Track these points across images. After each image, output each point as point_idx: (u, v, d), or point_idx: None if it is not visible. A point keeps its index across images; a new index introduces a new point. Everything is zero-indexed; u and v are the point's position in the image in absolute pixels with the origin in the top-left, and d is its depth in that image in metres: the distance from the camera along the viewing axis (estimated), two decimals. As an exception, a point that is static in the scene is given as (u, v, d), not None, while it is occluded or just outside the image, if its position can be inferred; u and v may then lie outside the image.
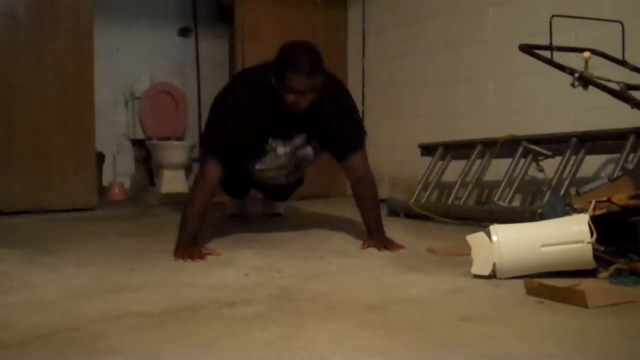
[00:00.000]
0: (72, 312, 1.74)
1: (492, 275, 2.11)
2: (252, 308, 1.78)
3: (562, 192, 3.17)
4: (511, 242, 2.11)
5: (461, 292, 1.97)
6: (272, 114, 2.76)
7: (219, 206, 3.82)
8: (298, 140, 2.94)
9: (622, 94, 2.57)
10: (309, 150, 3.00)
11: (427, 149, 4.22)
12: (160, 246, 2.74)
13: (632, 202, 2.17)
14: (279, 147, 2.93)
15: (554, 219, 2.29)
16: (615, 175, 2.74)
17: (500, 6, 4.05)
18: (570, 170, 3.29)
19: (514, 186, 3.49)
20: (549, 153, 3.43)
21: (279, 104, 2.69)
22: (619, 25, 2.74)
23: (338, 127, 2.85)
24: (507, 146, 3.62)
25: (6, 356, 1.40)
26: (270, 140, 2.90)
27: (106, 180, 5.16)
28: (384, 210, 3.18)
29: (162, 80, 5.39)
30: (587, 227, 2.06)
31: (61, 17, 4.09)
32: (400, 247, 2.75)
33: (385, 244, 2.75)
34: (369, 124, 5.12)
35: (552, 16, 2.65)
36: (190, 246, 2.56)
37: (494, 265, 2.10)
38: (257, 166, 3.00)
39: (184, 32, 5.60)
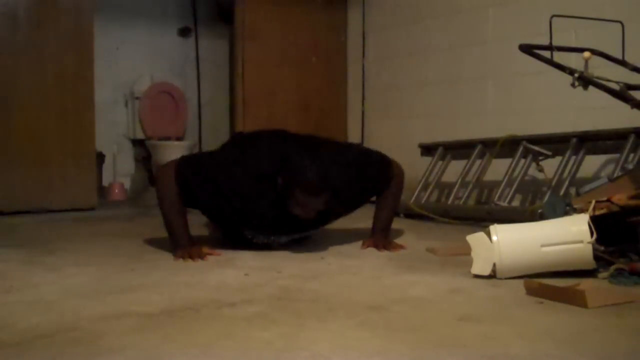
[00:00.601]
0: (72, 312, 1.74)
1: (492, 275, 2.11)
2: (252, 308, 1.78)
3: (562, 192, 3.17)
4: (511, 242, 2.11)
5: (461, 292, 1.97)
6: (275, 213, 2.53)
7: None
8: (306, 233, 2.79)
9: (622, 94, 2.57)
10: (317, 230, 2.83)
11: (427, 149, 4.22)
12: (160, 246, 2.74)
13: (632, 202, 2.17)
14: (282, 237, 2.71)
15: (554, 219, 2.28)
16: (615, 175, 2.75)
17: (500, 6, 4.05)
18: (570, 170, 3.29)
19: (514, 186, 3.49)
20: (549, 153, 3.43)
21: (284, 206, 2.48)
22: (619, 25, 2.74)
23: (363, 193, 2.78)
24: (507, 146, 3.62)
25: (6, 356, 1.40)
26: (272, 237, 2.68)
27: (106, 180, 5.16)
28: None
29: (162, 80, 5.40)
30: (587, 227, 2.06)
31: (61, 17, 4.09)
32: (400, 247, 2.75)
33: (385, 244, 2.75)
34: (369, 124, 5.17)
35: (552, 16, 2.65)
36: (189, 246, 2.55)
37: (494, 265, 2.10)
38: (248, 234, 2.70)
39: (184, 32, 5.60)
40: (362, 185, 2.74)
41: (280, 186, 2.46)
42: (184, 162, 2.60)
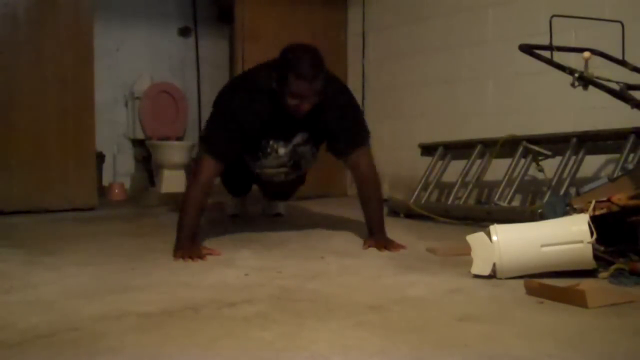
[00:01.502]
0: (72, 312, 1.74)
1: (492, 275, 2.11)
2: (252, 308, 1.78)
3: (562, 192, 3.17)
4: (511, 242, 2.11)
5: (461, 292, 1.97)
6: (273, 115, 2.77)
7: (218, 206, 3.82)
8: (298, 138, 2.95)
9: (622, 94, 2.57)
10: (307, 148, 3.01)
11: (427, 149, 4.22)
12: (160, 246, 2.74)
13: (632, 202, 2.17)
14: (280, 148, 2.95)
15: (554, 219, 2.28)
16: (615, 175, 2.74)
17: (500, 6, 4.05)
18: (570, 170, 3.29)
19: (514, 186, 3.49)
20: (549, 153, 3.43)
21: (280, 106, 2.71)
22: (619, 25, 2.74)
23: (340, 125, 2.85)
24: (507, 146, 3.62)
25: (6, 356, 1.40)
26: (271, 142, 2.93)
27: (106, 180, 5.16)
28: (384, 210, 3.17)
29: (162, 80, 5.40)
30: (587, 227, 2.06)
31: (61, 17, 4.09)
32: (401, 247, 2.75)
33: (386, 244, 2.75)
34: (369, 124, 5.15)
35: (552, 16, 2.65)
36: (189, 246, 2.55)
37: (494, 265, 2.10)
38: (258, 163, 3.02)
39: (184, 32, 5.60)
40: (345, 115, 2.86)
41: (275, 79, 2.65)
42: (208, 143, 2.75)
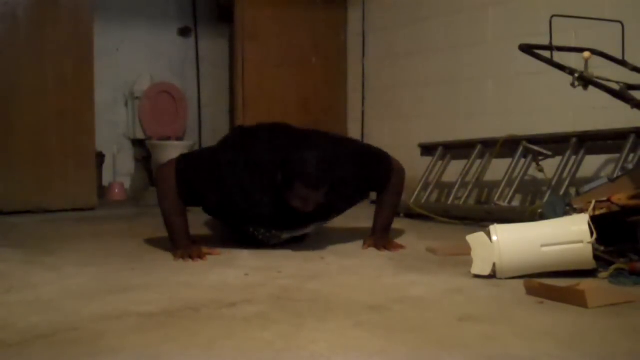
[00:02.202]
0: (72, 312, 1.74)
1: (492, 275, 2.11)
2: (252, 308, 1.78)
3: (562, 192, 3.17)
4: (511, 242, 2.11)
5: (461, 292, 1.97)
6: (275, 208, 2.54)
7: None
8: (310, 228, 2.78)
9: (622, 94, 2.57)
10: (324, 223, 2.85)
11: (427, 149, 4.22)
12: (160, 246, 2.74)
13: (632, 202, 2.17)
14: (284, 234, 2.72)
15: (554, 219, 2.28)
16: (615, 175, 2.74)
17: (500, 6, 4.05)
18: (570, 170, 3.29)
19: (514, 186, 3.49)
20: (549, 153, 3.43)
21: (283, 200, 2.49)
22: (619, 25, 2.74)
23: (357, 191, 2.74)
24: (507, 146, 3.62)
25: (6, 356, 1.40)
26: (273, 231, 2.68)
27: (106, 180, 5.16)
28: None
29: (162, 80, 5.39)
30: (587, 227, 2.06)
31: (61, 17, 4.09)
32: (400, 247, 2.75)
33: (385, 243, 2.75)
34: (369, 124, 5.17)
35: (552, 16, 2.65)
36: (188, 246, 2.55)
37: (494, 265, 2.10)
38: (250, 229, 2.71)
39: (184, 32, 5.60)
40: (362, 180, 2.73)
41: (280, 179, 2.46)
42: (184, 160, 2.60)
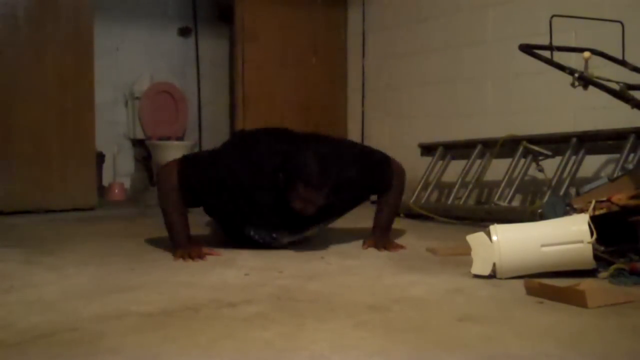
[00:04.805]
0: (72, 312, 1.74)
1: (492, 275, 2.11)
2: (252, 308, 1.78)
3: (562, 192, 3.17)
4: (511, 242, 2.11)
5: (461, 292, 1.97)
6: (277, 210, 2.54)
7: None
8: (310, 231, 2.77)
9: (622, 94, 2.57)
10: (322, 226, 2.84)
11: (427, 149, 4.22)
12: (160, 246, 2.74)
13: (632, 202, 2.17)
14: (285, 238, 2.71)
15: (554, 219, 2.28)
16: (615, 175, 2.74)
17: (500, 6, 4.05)
18: (570, 170, 3.29)
19: (514, 186, 3.49)
20: (549, 153, 3.44)
21: (286, 201, 2.50)
22: (619, 25, 2.74)
23: (358, 193, 2.76)
24: (507, 146, 3.62)
25: (6, 356, 1.40)
26: (274, 235, 2.67)
27: (106, 180, 5.16)
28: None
29: (162, 80, 5.40)
30: (587, 227, 2.06)
31: (61, 17, 4.09)
32: (400, 247, 2.75)
33: (385, 244, 2.75)
34: (369, 124, 5.18)
35: (552, 16, 2.65)
36: (188, 246, 2.55)
37: (494, 265, 2.10)
38: (249, 232, 2.69)
39: (184, 32, 5.60)
40: (363, 183, 2.74)
41: (281, 181, 2.46)
42: (185, 162, 2.60)
